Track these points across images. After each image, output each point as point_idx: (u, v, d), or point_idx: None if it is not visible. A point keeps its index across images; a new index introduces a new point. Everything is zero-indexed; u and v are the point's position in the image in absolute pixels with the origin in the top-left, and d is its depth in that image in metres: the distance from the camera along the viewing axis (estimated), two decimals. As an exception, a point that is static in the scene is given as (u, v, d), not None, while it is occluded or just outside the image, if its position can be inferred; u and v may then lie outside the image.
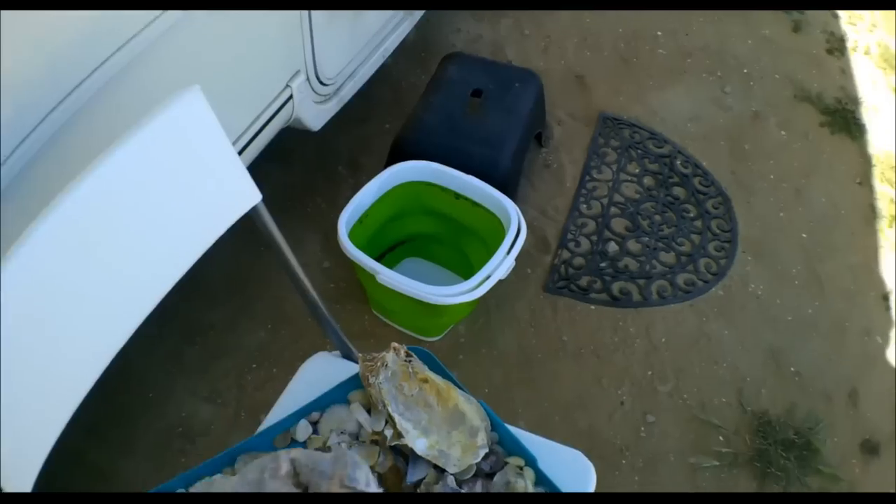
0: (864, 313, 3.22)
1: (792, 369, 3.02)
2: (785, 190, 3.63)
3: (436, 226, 3.03)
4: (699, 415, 2.88)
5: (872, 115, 4.00)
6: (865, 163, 3.75)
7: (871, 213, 3.57)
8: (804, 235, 3.45)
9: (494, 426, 1.67)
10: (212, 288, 3.11)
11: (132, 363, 2.85)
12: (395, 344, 1.67)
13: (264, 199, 1.61)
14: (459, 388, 1.70)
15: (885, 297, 3.27)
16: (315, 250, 3.26)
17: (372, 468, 1.58)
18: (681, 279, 3.27)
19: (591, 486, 1.68)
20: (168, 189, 1.40)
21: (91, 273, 1.29)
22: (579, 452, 1.73)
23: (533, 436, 1.73)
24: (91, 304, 1.32)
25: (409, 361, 1.67)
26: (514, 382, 2.93)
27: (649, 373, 2.99)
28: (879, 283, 3.33)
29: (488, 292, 2.51)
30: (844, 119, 3.94)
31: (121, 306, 1.41)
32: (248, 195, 1.57)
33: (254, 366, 2.92)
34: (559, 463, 1.64)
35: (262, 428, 1.69)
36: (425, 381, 1.66)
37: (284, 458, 1.32)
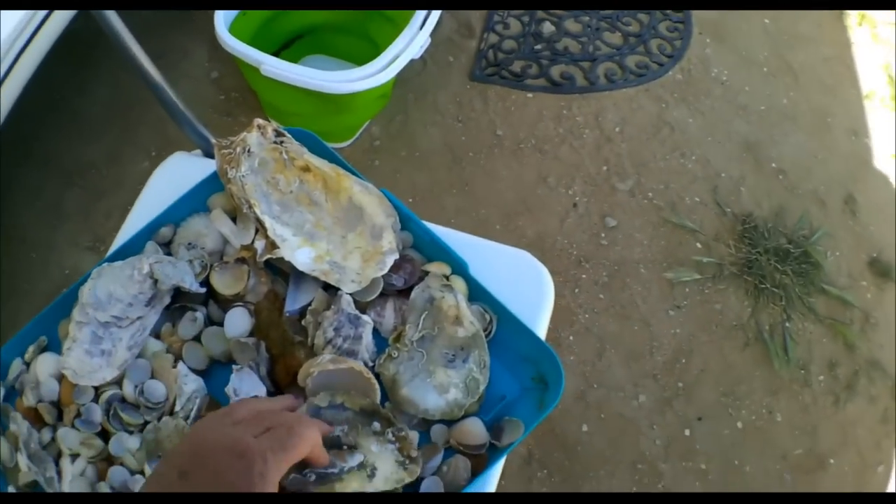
0: (848, 111, 2.91)
1: (773, 165, 2.70)
2: None
3: (336, 12, 2.59)
4: (670, 217, 2.54)
5: None
6: None
7: (836, 9, 3.24)
8: (766, 21, 3.11)
9: (406, 223, 1.21)
10: (91, 123, 2.74)
11: (14, 221, 2.53)
12: (258, 120, 1.18)
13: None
14: (353, 174, 1.22)
15: (868, 97, 2.95)
16: (202, 61, 2.85)
17: (240, 297, 1.12)
18: (631, 61, 2.92)
19: (548, 298, 1.23)
20: None
21: None
22: (525, 253, 1.28)
23: (459, 233, 1.27)
24: None
25: (282, 143, 1.19)
26: (444, 187, 2.56)
27: (605, 168, 2.63)
28: (857, 80, 3.02)
29: (404, 85, 2.17)
30: None
31: None
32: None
33: None
34: (500, 269, 1.20)
35: (107, 256, 1.24)
36: (306, 169, 1.20)
37: (145, 260, 1.15)
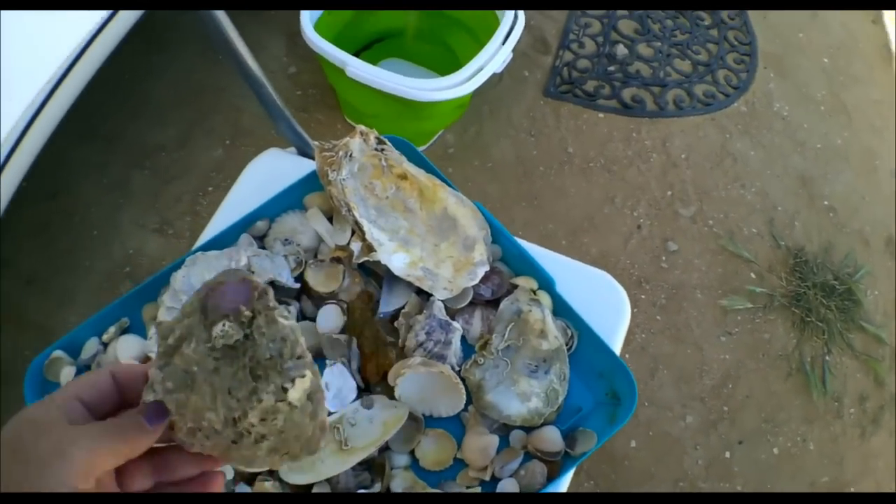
0: (893, 154, 2.93)
1: (825, 203, 2.72)
2: (800, 11, 3.31)
3: (417, 18, 2.62)
4: (728, 246, 2.57)
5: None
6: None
7: (886, 53, 3.26)
8: (825, 60, 3.14)
9: (497, 237, 1.26)
10: (162, 106, 2.75)
11: (76, 200, 2.53)
12: (361, 127, 1.23)
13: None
14: (449, 185, 1.27)
15: (911, 142, 2.97)
16: (279, 55, 2.88)
17: (333, 295, 1.17)
18: (699, 90, 2.93)
19: (625, 318, 1.29)
20: None
21: None
22: (608, 275, 1.33)
23: (547, 251, 1.32)
24: None
25: (382, 151, 1.24)
26: (513, 199, 2.59)
27: (669, 193, 2.65)
28: (902, 125, 3.04)
29: (480, 97, 2.18)
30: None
31: None
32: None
33: (210, 188, 2.57)
34: (582, 288, 1.24)
35: (197, 244, 1.30)
36: (403, 177, 1.25)
37: (243, 252, 1.22)
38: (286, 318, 0.65)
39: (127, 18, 1.49)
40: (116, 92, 2.69)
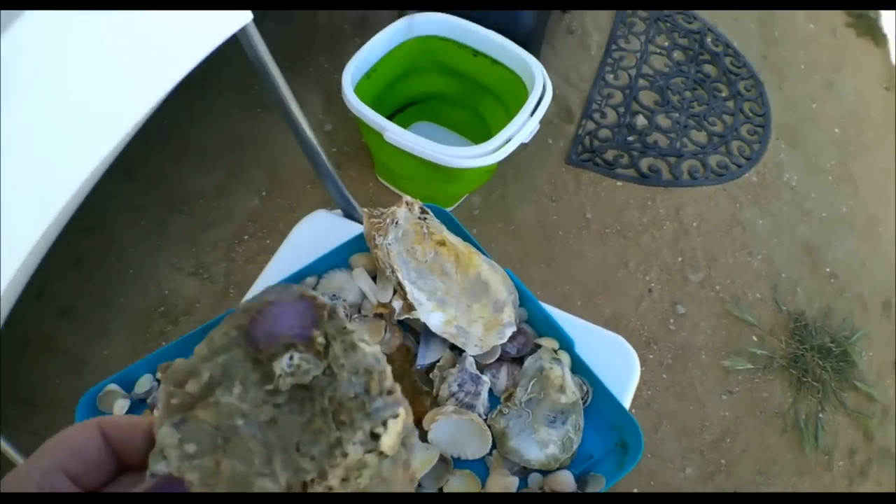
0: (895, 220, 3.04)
1: (828, 270, 2.84)
2: (816, 81, 3.44)
3: (450, 85, 2.75)
4: (733, 310, 2.68)
5: (893, 25, 3.78)
6: (890, 70, 3.56)
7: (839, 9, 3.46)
8: (836, 130, 3.26)
9: (524, 301, 1.40)
10: (202, 153, 2.87)
11: (112, 237, 2.64)
12: (407, 198, 1.38)
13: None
14: (482, 253, 1.42)
15: (916, 209, 3.08)
16: (316, 112, 3.00)
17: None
18: (713, 160, 3.06)
19: (634, 376, 1.43)
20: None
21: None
22: (621, 338, 1.48)
23: (567, 315, 1.47)
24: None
25: (425, 220, 1.38)
26: (533, 260, 2.71)
27: (679, 259, 2.77)
28: (906, 192, 3.15)
29: (506, 162, 2.28)
30: (868, 24, 3.73)
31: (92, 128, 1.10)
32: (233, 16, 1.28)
33: (245, 237, 2.69)
34: (597, 349, 1.37)
35: (248, 296, 1.41)
36: (442, 244, 1.39)
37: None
38: (367, 342, 0.51)
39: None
40: (157, 136, 2.79)
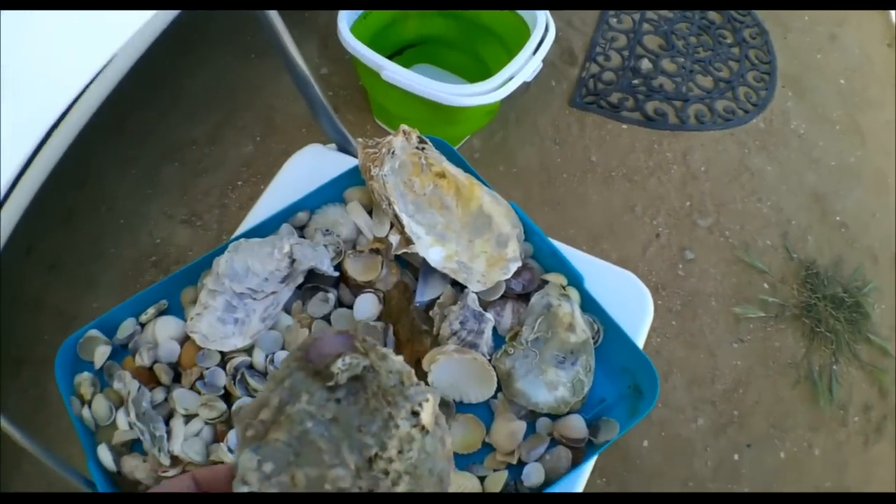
0: None
1: (837, 219, 2.76)
2: (820, 33, 3.36)
3: (448, 27, 2.67)
4: (743, 256, 2.61)
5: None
6: (890, 28, 3.46)
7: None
8: (842, 81, 3.18)
9: (529, 235, 1.32)
10: (195, 102, 2.82)
11: (103, 189, 2.59)
12: (405, 127, 1.29)
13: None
14: (485, 185, 1.33)
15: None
16: (311, 56, 2.92)
17: (371, 284, 1.23)
18: (720, 105, 2.98)
19: (647, 316, 1.35)
20: None
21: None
22: (632, 275, 1.39)
23: (575, 250, 1.38)
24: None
25: (423, 150, 1.30)
26: (536, 204, 2.64)
27: (688, 203, 2.70)
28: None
29: (507, 104, 2.23)
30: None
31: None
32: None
33: (239, 182, 2.63)
34: (608, 286, 1.29)
35: (239, 231, 1.34)
36: (441, 175, 1.30)
37: (286, 240, 1.23)
38: (393, 354, 0.61)
39: (164, 17, 1.52)
40: (149, 88, 2.73)
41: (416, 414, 0.58)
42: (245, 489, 0.53)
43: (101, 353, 1.20)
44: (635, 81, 2.99)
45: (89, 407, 1.16)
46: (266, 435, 0.56)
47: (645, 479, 2.25)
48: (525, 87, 2.20)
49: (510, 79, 2.16)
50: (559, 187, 2.68)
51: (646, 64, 3.05)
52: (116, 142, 2.66)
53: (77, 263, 2.44)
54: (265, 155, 2.68)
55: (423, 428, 0.57)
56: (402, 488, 0.56)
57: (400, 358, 0.60)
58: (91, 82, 1.09)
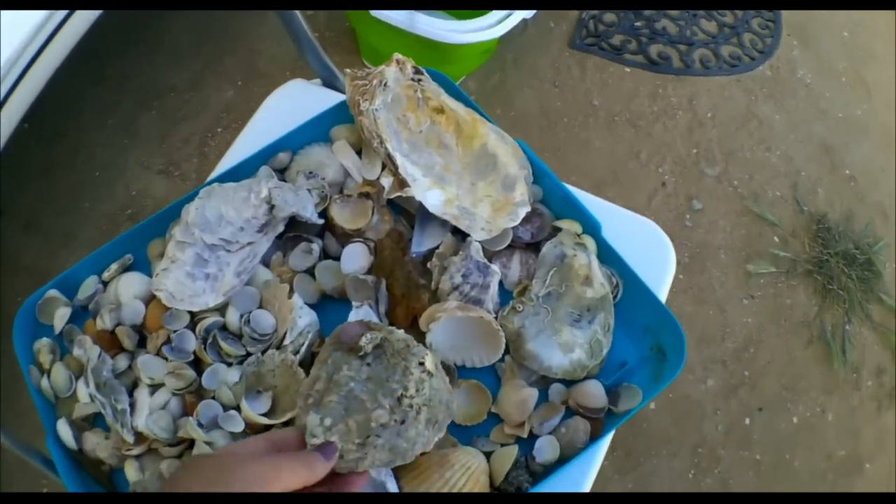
0: None
1: (847, 172, 2.67)
2: None
3: None
4: (752, 207, 2.52)
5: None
6: None
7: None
8: (846, 34, 3.07)
9: (539, 177, 1.18)
10: (176, 48, 2.71)
11: (80, 141, 2.48)
12: (398, 55, 1.15)
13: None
14: (489, 121, 1.19)
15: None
16: None
17: (360, 232, 1.09)
18: (725, 51, 2.87)
19: (670, 269, 1.22)
20: None
21: None
22: (653, 223, 1.26)
23: (588, 195, 1.24)
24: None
25: (419, 82, 1.16)
26: (535, 149, 2.43)
27: (694, 151, 2.59)
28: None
29: (504, 45, 2.13)
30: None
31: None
32: None
33: (219, 129, 2.52)
34: (626, 235, 1.16)
35: (212, 176, 1.21)
36: (440, 111, 1.17)
37: (265, 184, 1.10)
38: (396, 331, 0.91)
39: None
40: (128, 34, 2.64)
41: (422, 364, 0.87)
42: (315, 441, 0.80)
43: (61, 316, 1.09)
44: (638, 23, 2.88)
45: (48, 377, 1.06)
46: (322, 399, 0.83)
47: (653, 445, 2.16)
48: (523, 25, 2.10)
49: (509, 15, 2.05)
50: (560, 132, 2.58)
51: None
52: (94, 91, 2.56)
53: (53, 220, 2.36)
54: (247, 100, 2.57)
55: (429, 372, 0.87)
56: (423, 416, 0.84)
57: (402, 332, 0.91)
58: (61, 24, 1.01)
